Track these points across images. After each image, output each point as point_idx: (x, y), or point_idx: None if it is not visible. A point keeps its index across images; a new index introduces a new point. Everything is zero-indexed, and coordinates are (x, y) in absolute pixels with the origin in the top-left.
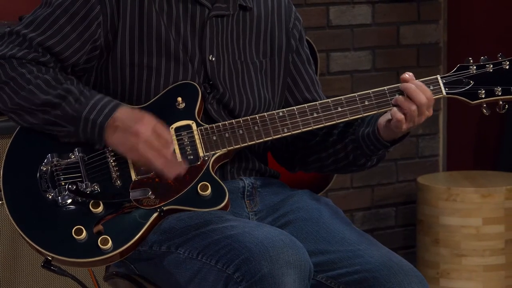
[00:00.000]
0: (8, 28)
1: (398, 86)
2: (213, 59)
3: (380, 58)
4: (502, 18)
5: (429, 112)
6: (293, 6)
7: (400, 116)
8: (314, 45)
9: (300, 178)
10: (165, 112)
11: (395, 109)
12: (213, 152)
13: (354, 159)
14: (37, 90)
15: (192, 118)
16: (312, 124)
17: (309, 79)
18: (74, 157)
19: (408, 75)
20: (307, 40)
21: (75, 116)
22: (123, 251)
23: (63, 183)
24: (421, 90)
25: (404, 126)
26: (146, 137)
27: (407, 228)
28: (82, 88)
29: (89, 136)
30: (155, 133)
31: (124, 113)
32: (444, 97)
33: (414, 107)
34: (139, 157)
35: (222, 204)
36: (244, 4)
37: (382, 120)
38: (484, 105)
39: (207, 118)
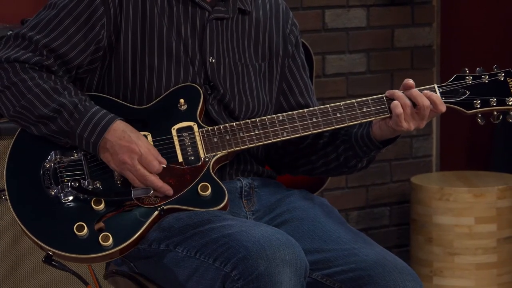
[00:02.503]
0: (13, 31)
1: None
2: (213, 60)
3: (374, 61)
4: (494, 22)
5: (430, 115)
6: (291, 12)
7: (399, 110)
8: (310, 48)
9: (296, 178)
10: (168, 113)
11: (395, 102)
12: (214, 153)
13: (345, 161)
14: (36, 101)
15: (193, 119)
16: (311, 129)
17: (303, 84)
18: (77, 154)
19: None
20: (303, 43)
21: (70, 132)
22: (123, 248)
23: (65, 180)
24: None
25: (405, 125)
26: (131, 167)
27: (401, 227)
28: (78, 101)
29: (85, 150)
30: (142, 163)
31: (115, 136)
32: None
33: (409, 102)
34: (130, 179)
35: (222, 205)
36: (243, 8)
37: (376, 121)
38: (479, 114)
39: (208, 119)
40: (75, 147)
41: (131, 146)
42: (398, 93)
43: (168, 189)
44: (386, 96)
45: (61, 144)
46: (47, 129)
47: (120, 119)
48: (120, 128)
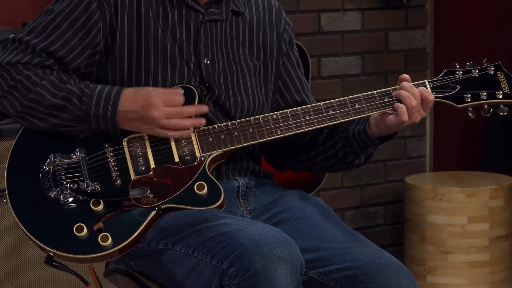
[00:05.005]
0: (11, 36)
1: (388, 89)
2: (208, 62)
3: (369, 63)
4: (487, 25)
5: (425, 111)
6: (283, 11)
7: (404, 110)
8: (306, 50)
9: (293, 178)
10: None
11: (399, 103)
12: (209, 153)
13: (343, 157)
14: (44, 92)
15: None
16: (305, 126)
17: (299, 82)
18: (76, 157)
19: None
20: (299, 46)
21: (84, 116)
22: (122, 247)
23: (65, 182)
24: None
25: (406, 119)
26: (162, 115)
27: (395, 226)
28: (83, 85)
29: (104, 129)
30: (168, 104)
31: (131, 102)
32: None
33: (415, 103)
34: (167, 133)
35: (218, 203)
36: (237, 9)
37: (373, 118)
38: (470, 109)
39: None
40: (73, 150)
41: (150, 100)
42: (404, 93)
43: (203, 105)
44: (378, 93)
45: (75, 133)
46: (59, 119)
47: (125, 88)
48: (130, 93)
